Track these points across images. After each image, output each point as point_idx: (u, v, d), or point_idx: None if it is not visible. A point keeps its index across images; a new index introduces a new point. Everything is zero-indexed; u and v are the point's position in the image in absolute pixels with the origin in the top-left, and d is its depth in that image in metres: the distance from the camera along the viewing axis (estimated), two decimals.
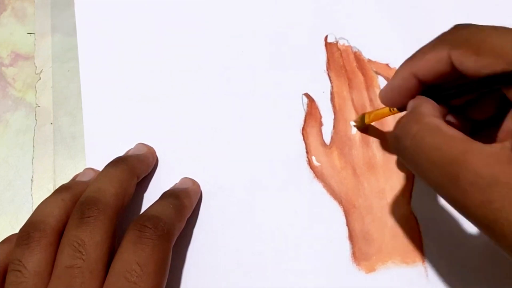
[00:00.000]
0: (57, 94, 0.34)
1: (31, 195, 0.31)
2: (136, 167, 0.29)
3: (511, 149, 0.18)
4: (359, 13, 0.34)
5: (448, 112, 0.24)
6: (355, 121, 0.31)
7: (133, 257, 0.23)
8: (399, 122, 0.23)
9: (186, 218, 0.28)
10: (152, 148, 0.31)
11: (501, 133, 0.20)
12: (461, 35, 0.22)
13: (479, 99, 0.24)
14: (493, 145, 0.19)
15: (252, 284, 0.28)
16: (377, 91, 0.32)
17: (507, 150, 0.18)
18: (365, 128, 0.31)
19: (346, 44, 0.33)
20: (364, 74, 0.32)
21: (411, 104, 0.24)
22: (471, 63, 0.21)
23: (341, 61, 0.33)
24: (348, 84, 0.32)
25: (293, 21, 0.34)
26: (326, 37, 0.33)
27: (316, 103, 0.32)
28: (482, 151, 0.18)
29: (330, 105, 0.32)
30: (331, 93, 0.32)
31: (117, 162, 0.28)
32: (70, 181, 0.30)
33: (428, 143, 0.20)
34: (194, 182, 0.30)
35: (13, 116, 0.34)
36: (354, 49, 0.33)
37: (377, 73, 0.32)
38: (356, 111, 0.31)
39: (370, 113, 0.30)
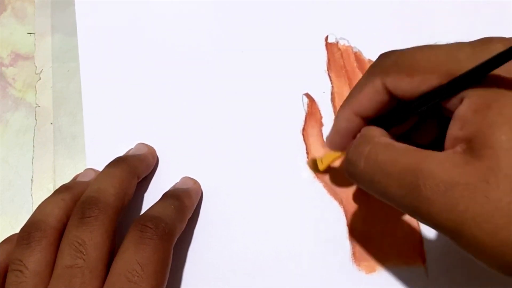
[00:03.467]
0: (57, 94, 0.34)
1: (31, 195, 0.31)
2: (137, 167, 0.29)
3: (463, 152, 0.18)
4: (359, 13, 0.34)
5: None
6: (308, 165, 0.30)
7: (134, 257, 0.23)
8: (349, 147, 0.23)
9: (187, 218, 0.28)
10: (152, 148, 0.31)
11: (448, 142, 0.20)
12: (388, 61, 0.22)
13: (420, 123, 0.25)
14: (445, 151, 0.19)
15: (252, 284, 0.28)
16: None
17: (458, 154, 0.18)
18: (323, 171, 0.30)
19: (347, 44, 0.33)
20: None
21: (358, 135, 0.24)
22: (406, 85, 0.21)
23: (342, 61, 0.33)
24: (349, 85, 0.32)
25: (293, 21, 0.34)
26: (326, 37, 0.33)
27: (317, 103, 0.32)
28: (437, 158, 0.19)
29: (330, 105, 0.32)
30: (332, 94, 0.32)
31: (118, 162, 0.28)
32: (71, 181, 0.30)
33: (383, 159, 0.20)
34: (195, 182, 0.30)
35: (13, 116, 0.34)
36: (355, 50, 0.33)
37: None
38: None
39: (321, 158, 0.29)
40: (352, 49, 0.33)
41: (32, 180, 0.32)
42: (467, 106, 0.19)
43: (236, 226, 0.29)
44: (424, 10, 0.33)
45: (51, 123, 0.33)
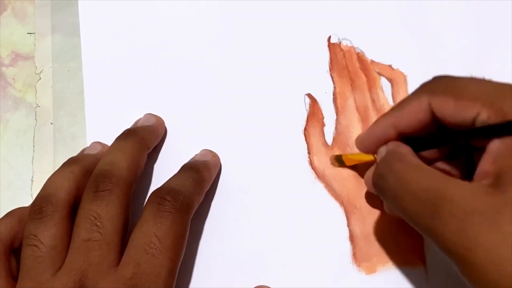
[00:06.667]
0: (57, 94, 0.34)
1: (31, 195, 0.31)
2: (147, 138, 0.29)
3: (487, 185, 0.19)
4: (362, 14, 0.34)
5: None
6: (330, 160, 0.31)
7: (152, 229, 0.24)
8: (381, 162, 0.24)
9: (205, 191, 0.28)
10: (160, 118, 0.31)
11: (477, 176, 0.21)
12: (440, 83, 0.23)
13: (449, 156, 0.26)
14: (471, 182, 0.20)
15: (252, 284, 0.28)
16: (380, 92, 0.32)
17: (483, 186, 0.19)
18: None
19: (349, 45, 0.33)
20: (367, 75, 0.32)
21: (384, 148, 0.25)
22: (450, 108, 0.22)
23: (344, 61, 0.33)
24: (351, 85, 0.32)
25: (296, 21, 0.34)
26: (329, 38, 0.33)
27: (319, 103, 0.32)
28: (461, 186, 0.20)
29: (332, 105, 0.32)
30: (334, 94, 0.32)
31: (128, 134, 0.29)
32: (78, 154, 0.30)
33: (411, 178, 0.21)
34: (214, 155, 0.30)
35: (13, 116, 0.34)
36: (357, 50, 0.33)
37: (380, 74, 0.32)
38: (358, 112, 0.31)
39: (348, 155, 0.29)
40: (354, 50, 0.33)
41: (32, 180, 0.32)
42: (502, 142, 0.20)
43: (236, 226, 0.29)
44: (427, 11, 0.34)
45: (51, 123, 0.33)
